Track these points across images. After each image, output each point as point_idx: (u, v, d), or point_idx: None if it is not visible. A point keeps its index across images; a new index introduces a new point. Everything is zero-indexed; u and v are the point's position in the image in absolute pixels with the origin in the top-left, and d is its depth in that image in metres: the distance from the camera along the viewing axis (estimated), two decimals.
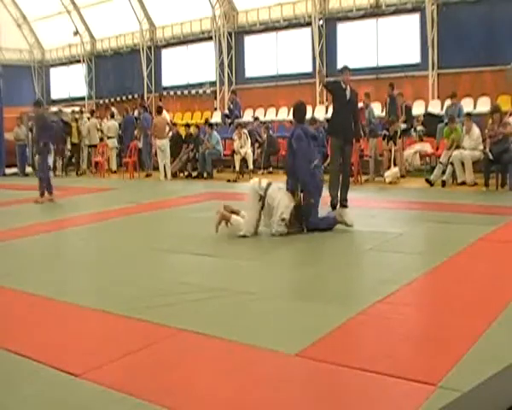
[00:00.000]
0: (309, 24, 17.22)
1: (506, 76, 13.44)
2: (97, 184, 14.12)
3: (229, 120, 17.24)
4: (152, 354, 3.38)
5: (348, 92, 8.42)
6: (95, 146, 17.30)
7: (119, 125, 17.08)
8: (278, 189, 6.94)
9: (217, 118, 18.10)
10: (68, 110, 18.67)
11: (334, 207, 8.26)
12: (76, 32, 23.57)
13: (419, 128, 13.52)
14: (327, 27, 17.16)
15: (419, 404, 2.64)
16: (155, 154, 16.57)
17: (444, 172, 11.19)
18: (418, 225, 7.34)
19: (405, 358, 3.27)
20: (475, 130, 11.12)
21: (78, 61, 24.17)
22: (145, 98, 21.07)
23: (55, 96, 26.04)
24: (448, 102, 13.00)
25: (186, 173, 15.25)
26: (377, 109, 14.97)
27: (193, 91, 20.11)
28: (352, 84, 8.66)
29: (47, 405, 2.86)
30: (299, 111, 7.45)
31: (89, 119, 17.54)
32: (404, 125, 13.09)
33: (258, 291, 4.57)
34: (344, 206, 8.29)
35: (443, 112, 13.25)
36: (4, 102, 17.61)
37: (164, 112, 15.88)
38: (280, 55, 18.33)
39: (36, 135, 11.93)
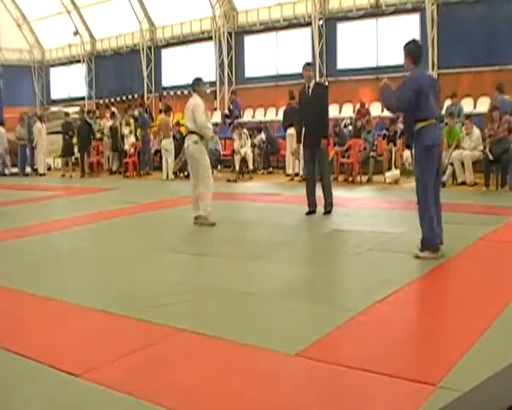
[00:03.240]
0: (309, 24, 17.22)
1: None
2: (97, 184, 14.12)
3: (229, 121, 17.23)
4: (152, 354, 3.38)
5: (310, 90, 8.10)
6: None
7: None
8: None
9: (217, 118, 18.08)
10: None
11: (308, 213, 8.05)
12: (76, 32, 23.57)
13: None
14: (327, 27, 17.15)
15: (419, 404, 2.64)
16: (155, 153, 16.57)
17: (444, 173, 11.17)
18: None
19: (405, 358, 3.27)
20: (475, 131, 11.10)
21: (78, 61, 24.16)
22: (145, 98, 21.08)
23: (55, 96, 26.03)
24: (448, 102, 12.99)
25: (186, 173, 15.23)
26: (377, 110, 14.97)
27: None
28: (314, 79, 8.16)
29: (47, 405, 2.85)
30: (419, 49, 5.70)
31: None
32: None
33: (258, 291, 4.58)
34: (328, 212, 8.08)
35: (443, 112, 13.23)
36: (4, 102, 17.63)
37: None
38: (280, 55, 18.33)
39: None
